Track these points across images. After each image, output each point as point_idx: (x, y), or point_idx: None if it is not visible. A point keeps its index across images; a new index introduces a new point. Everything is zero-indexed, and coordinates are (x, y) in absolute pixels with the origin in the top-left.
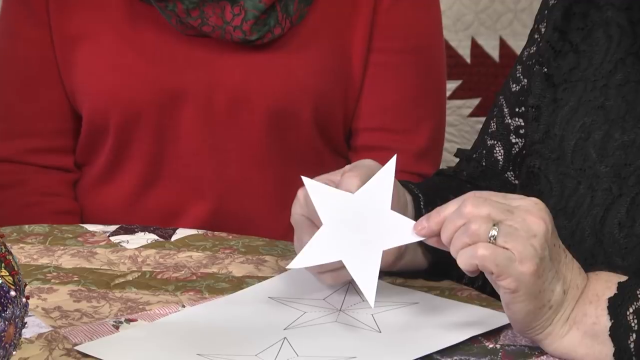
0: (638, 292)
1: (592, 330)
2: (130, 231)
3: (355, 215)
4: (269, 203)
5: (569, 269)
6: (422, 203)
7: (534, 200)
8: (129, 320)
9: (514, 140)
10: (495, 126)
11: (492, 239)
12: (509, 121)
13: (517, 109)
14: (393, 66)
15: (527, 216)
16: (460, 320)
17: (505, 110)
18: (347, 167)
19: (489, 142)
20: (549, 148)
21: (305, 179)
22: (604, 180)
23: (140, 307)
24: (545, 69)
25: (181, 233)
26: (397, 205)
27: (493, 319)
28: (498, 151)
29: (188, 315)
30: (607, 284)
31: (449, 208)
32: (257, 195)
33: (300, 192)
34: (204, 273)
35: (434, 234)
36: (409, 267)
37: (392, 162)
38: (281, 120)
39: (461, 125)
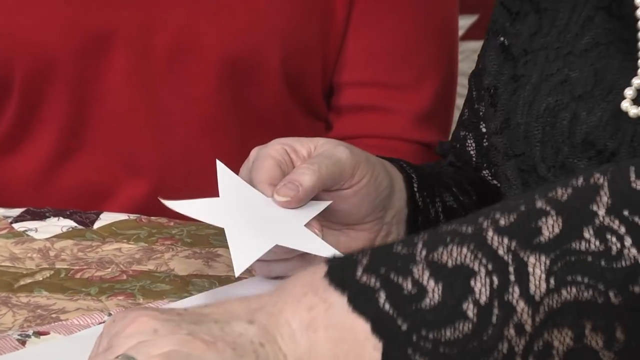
0: (354, 256)
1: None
2: (40, 216)
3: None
4: None
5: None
6: (415, 186)
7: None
8: (38, 334)
9: (484, 130)
10: (467, 113)
11: None
12: (477, 106)
13: (483, 91)
14: (387, 1)
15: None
16: None
17: (474, 92)
18: (318, 145)
19: (461, 133)
20: (509, 141)
21: (218, 164)
22: None
23: (54, 315)
24: (502, 38)
25: (107, 219)
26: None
27: None
28: (470, 144)
29: None
30: (311, 276)
31: None
32: (208, 170)
33: (253, 152)
34: (137, 271)
35: None
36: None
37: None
38: (240, 72)
39: None
